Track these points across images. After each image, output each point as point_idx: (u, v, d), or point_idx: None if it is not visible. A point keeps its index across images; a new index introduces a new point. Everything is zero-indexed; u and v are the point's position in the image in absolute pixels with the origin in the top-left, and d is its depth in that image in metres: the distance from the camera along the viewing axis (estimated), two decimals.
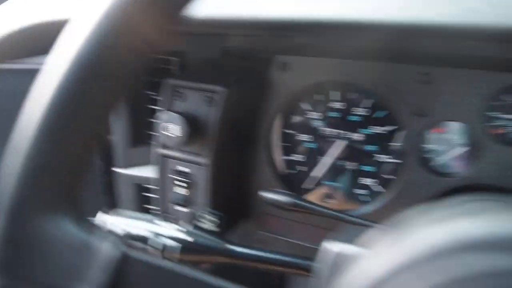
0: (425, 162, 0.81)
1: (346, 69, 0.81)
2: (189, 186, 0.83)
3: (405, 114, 0.79)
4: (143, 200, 0.99)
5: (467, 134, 0.79)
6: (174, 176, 0.84)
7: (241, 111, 0.83)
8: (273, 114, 0.86)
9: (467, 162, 0.79)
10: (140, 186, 0.98)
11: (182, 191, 0.83)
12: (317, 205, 0.72)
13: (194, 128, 0.76)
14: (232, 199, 0.88)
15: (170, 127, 0.74)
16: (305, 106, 0.88)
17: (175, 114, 0.75)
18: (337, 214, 0.71)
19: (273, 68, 0.85)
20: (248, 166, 0.90)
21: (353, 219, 0.70)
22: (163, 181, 0.85)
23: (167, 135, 0.75)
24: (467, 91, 0.74)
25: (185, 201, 0.83)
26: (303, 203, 0.70)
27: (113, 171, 1.00)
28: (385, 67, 0.79)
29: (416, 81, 0.77)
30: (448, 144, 0.80)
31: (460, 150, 0.80)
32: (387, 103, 0.80)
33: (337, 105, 0.86)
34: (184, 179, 0.83)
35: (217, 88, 0.77)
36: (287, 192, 0.74)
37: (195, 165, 0.81)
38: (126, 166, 0.99)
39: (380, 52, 0.81)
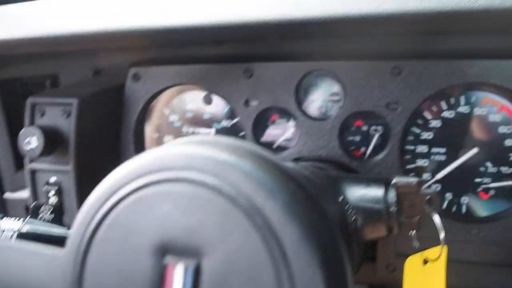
0: (263, 146, 0.95)
1: (188, 73, 0.94)
2: (59, 195, 0.94)
3: (240, 106, 0.92)
4: None
5: (289, 116, 0.93)
6: (46, 188, 0.94)
7: (100, 119, 0.95)
8: (134, 121, 0.98)
9: (293, 140, 0.93)
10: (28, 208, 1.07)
11: (55, 200, 0.93)
12: None
13: (54, 139, 0.87)
14: None
15: (31, 141, 0.86)
16: (163, 110, 1.01)
17: (33, 128, 0.86)
18: None
19: (128, 79, 0.98)
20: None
21: None
22: (35, 195, 0.95)
23: (29, 149, 0.86)
24: (280, 80, 0.89)
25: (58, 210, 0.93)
26: None
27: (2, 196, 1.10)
28: (217, 68, 0.92)
29: (243, 77, 0.91)
30: (279, 128, 0.94)
31: (288, 132, 0.94)
32: (226, 99, 0.93)
33: (190, 106, 0.99)
34: (54, 189, 0.93)
35: (71, 100, 0.88)
36: None
37: (62, 173, 0.92)
38: (14, 189, 1.09)
39: (212, 55, 0.95)
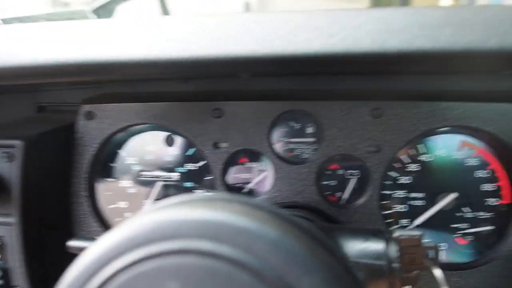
0: (233, 191, 0.87)
1: (149, 112, 0.86)
2: (1, 252, 0.80)
3: (207, 148, 0.85)
4: None
5: (263, 160, 0.87)
6: None
7: (48, 164, 0.83)
8: (87, 164, 0.88)
9: (266, 185, 0.87)
10: None
11: None
12: None
13: None
14: (54, 255, 0.86)
15: None
16: (119, 152, 0.91)
17: None
18: None
19: (80, 118, 0.87)
20: (72, 219, 0.89)
21: None
22: None
23: None
24: (252, 120, 0.83)
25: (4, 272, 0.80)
26: None
27: None
28: (183, 107, 0.85)
29: (211, 117, 0.84)
30: (251, 171, 0.88)
31: (260, 176, 0.87)
32: (192, 140, 0.85)
33: (151, 147, 0.90)
34: None
35: (15, 142, 0.77)
36: (92, 238, 0.74)
37: (4, 226, 0.79)
38: None
39: (177, 93, 0.87)
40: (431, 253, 0.60)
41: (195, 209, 0.35)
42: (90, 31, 0.66)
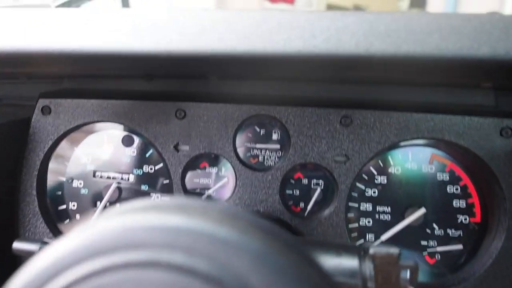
0: (192, 196, 0.82)
1: (108, 109, 0.80)
2: None
3: (168, 150, 0.79)
4: None
5: (224, 165, 0.82)
6: None
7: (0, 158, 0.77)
8: (39, 160, 0.82)
9: (228, 192, 0.82)
10: None
11: None
12: None
13: None
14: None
15: None
16: (74, 150, 0.85)
17: None
18: None
19: (36, 112, 0.82)
20: (18, 218, 0.83)
21: None
22: None
23: None
24: (217, 123, 0.78)
25: None
26: None
27: None
28: (145, 106, 0.80)
29: (174, 117, 0.78)
30: (212, 177, 0.82)
31: (221, 182, 0.82)
32: (151, 141, 0.80)
33: (107, 147, 0.85)
34: None
35: None
36: (38, 239, 0.68)
37: None
38: None
39: (139, 91, 0.82)
40: (404, 272, 0.55)
41: (166, 215, 0.30)
42: (48, 20, 0.61)
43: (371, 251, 0.52)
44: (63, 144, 0.85)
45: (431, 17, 0.52)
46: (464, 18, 0.51)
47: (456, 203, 0.78)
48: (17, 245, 0.68)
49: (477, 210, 0.78)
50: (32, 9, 0.65)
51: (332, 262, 0.53)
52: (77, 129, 0.83)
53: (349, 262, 0.53)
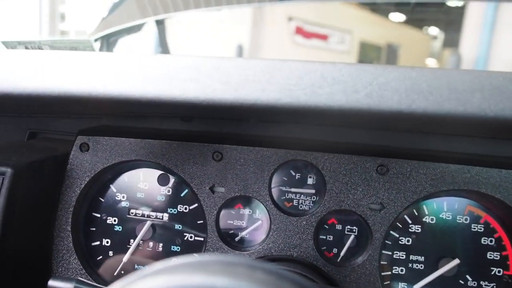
0: (225, 238, 0.83)
1: (146, 149, 0.82)
2: None
3: (203, 191, 0.81)
4: None
5: (259, 208, 0.83)
6: None
7: (35, 194, 0.78)
8: (76, 197, 0.83)
9: (261, 235, 0.82)
10: None
11: None
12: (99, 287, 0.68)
13: None
14: None
15: None
16: (109, 187, 0.87)
17: None
18: None
19: (74, 149, 0.83)
20: (52, 255, 0.84)
21: None
22: None
23: None
24: (253, 167, 0.79)
25: None
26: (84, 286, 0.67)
27: None
28: (182, 146, 0.81)
29: (211, 159, 0.80)
30: (246, 219, 0.83)
31: (255, 224, 0.83)
32: (187, 181, 0.81)
33: (143, 185, 0.86)
34: None
35: (3, 169, 0.72)
36: (73, 278, 0.69)
37: None
38: None
39: (177, 131, 0.84)
40: None
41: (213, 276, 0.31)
42: (89, 64, 0.63)
43: None
44: (99, 181, 0.86)
45: (474, 74, 0.54)
46: (506, 77, 0.53)
47: (490, 255, 0.77)
48: (52, 283, 0.69)
49: (511, 263, 0.77)
50: (74, 53, 0.67)
51: None
52: (113, 167, 0.84)
53: None
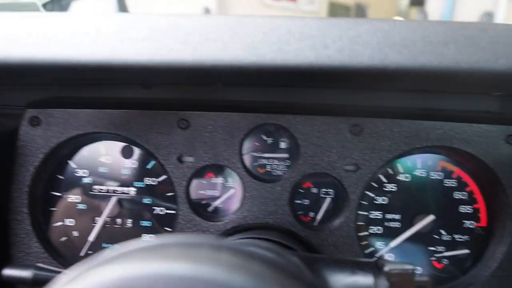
0: (197, 209, 0.79)
1: (105, 120, 0.76)
2: None
3: (170, 162, 0.76)
4: None
5: (231, 176, 0.79)
6: None
7: None
8: (30, 176, 0.77)
9: (235, 203, 0.80)
10: None
11: None
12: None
13: None
14: None
15: None
16: (68, 163, 0.81)
17: None
18: None
19: (23, 124, 0.76)
20: (10, 239, 0.78)
21: None
22: None
23: None
24: (223, 133, 0.75)
25: None
26: (49, 274, 0.62)
27: None
28: (144, 115, 0.76)
29: (176, 128, 0.75)
30: (218, 188, 0.80)
31: (228, 193, 0.80)
32: (153, 153, 0.76)
33: (105, 159, 0.80)
34: None
35: None
36: (31, 265, 0.64)
37: None
38: None
39: (137, 99, 0.78)
40: None
41: (173, 262, 0.27)
42: (31, 25, 0.56)
43: (386, 268, 0.52)
44: (56, 157, 0.80)
45: (447, 25, 0.51)
46: (480, 28, 0.51)
47: (463, 208, 0.78)
48: (8, 272, 0.64)
49: (483, 215, 0.79)
50: (19, 14, 0.60)
51: (347, 280, 0.53)
52: (70, 141, 0.78)
53: (365, 280, 0.52)
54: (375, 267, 0.54)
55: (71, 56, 0.54)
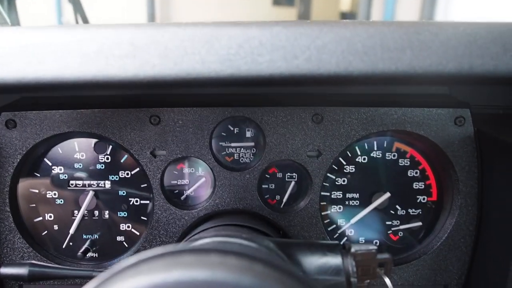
0: (171, 198, 0.84)
1: (79, 120, 0.79)
2: None
3: (144, 156, 0.80)
4: None
5: (202, 166, 0.84)
6: None
7: None
8: (10, 176, 0.80)
9: (207, 192, 0.85)
10: None
11: None
12: (61, 268, 0.68)
13: None
14: None
15: None
16: (44, 161, 0.84)
17: None
18: (81, 272, 0.68)
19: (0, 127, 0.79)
20: None
21: (94, 273, 0.68)
22: None
23: None
24: (193, 127, 0.79)
25: None
26: (42, 269, 0.66)
27: None
28: (117, 114, 0.79)
29: (148, 124, 0.79)
30: (188, 178, 0.85)
31: (199, 182, 0.85)
32: (126, 148, 0.80)
33: (79, 155, 0.84)
34: None
35: None
36: (26, 262, 0.68)
37: None
38: None
39: (109, 98, 0.81)
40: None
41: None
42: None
43: (352, 249, 0.58)
44: (32, 156, 0.83)
45: (403, 31, 0.56)
46: (432, 31, 0.55)
47: (416, 185, 0.86)
48: (4, 270, 0.68)
49: (434, 190, 0.86)
50: None
51: (318, 262, 0.59)
52: (46, 141, 0.81)
53: (334, 261, 0.59)
54: (343, 248, 0.60)
55: (56, 75, 0.54)
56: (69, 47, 0.53)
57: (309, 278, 0.37)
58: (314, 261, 0.58)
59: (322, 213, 0.85)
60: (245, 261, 0.34)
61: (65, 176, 0.84)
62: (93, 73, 0.52)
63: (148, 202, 0.85)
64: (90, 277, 0.66)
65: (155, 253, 0.37)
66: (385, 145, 0.85)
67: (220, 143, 0.84)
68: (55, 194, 0.85)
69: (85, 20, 1.58)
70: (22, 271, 0.67)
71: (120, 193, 0.85)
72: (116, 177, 0.84)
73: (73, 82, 0.53)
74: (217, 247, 0.37)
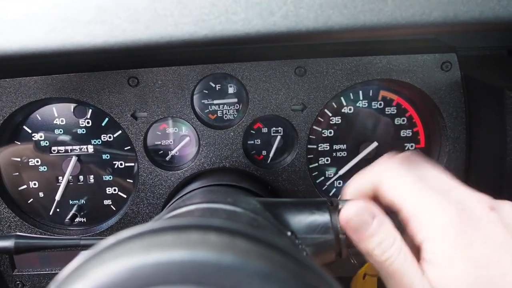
0: (156, 160, 0.83)
1: (55, 85, 0.77)
2: None
3: (125, 119, 0.78)
4: None
5: (185, 125, 0.82)
6: None
7: None
8: None
9: (192, 151, 0.84)
10: None
11: None
12: (48, 238, 0.67)
13: None
14: None
15: None
16: (23, 128, 0.82)
17: None
18: (68, 241, 0.68)
19: None
20: None
21: (87, 241, 0.68)
22: None
23: None
24: (173, 87, 0.77)
25: None
26: (28, 241, 0.65)
27: None
28: (94, 77, 0.76)
29: (127, 86, 0.76)
30: (172, 138, 0.83)
31: (183, 142, 0.83)
32: (106, 111, 0.78)
33: (59, 120, 0.82)
34: None
35: None
36: (10, 234, 0.67)
37: None
38: None
39: (87, 62, 0.78)
40: None
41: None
42: None
43: (340, 206, 0.58)
44: (11, 124, 0.81)
45: None
46: None
47: (403, 133, 0.85)
48: None
49: (422, 137, 0.85)
50: None
51: (306, 221, 0.58)
52: (23, 109, 0.79)
53: (322, 219, 0.58)
54: (331, 205, 0.60)
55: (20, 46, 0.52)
56: (32, 16, 0.50)
57: (294, 248, 0.36)
58: (302, 220, 0.57)
59: (310, 166, 0.85)
60: (226, 238, 0.34)
61: (47, 143, 0.82)
62: (60, 42, 0.50)
63: (133, 164, 0.83)
64: (77, 246, 0.66)
65: (134, 232, 0.36)
66: (370, 94, 0.83)
67: (202, 101, 0.81)
68: (37, 161, 0.83)
69: None
70: (8, 243, 0.66)
71: (104, 156, 0.83)
72: (99, 141, 0.83)
73: (40, 53, 0.51)
74: (197, 222, 0.36)
